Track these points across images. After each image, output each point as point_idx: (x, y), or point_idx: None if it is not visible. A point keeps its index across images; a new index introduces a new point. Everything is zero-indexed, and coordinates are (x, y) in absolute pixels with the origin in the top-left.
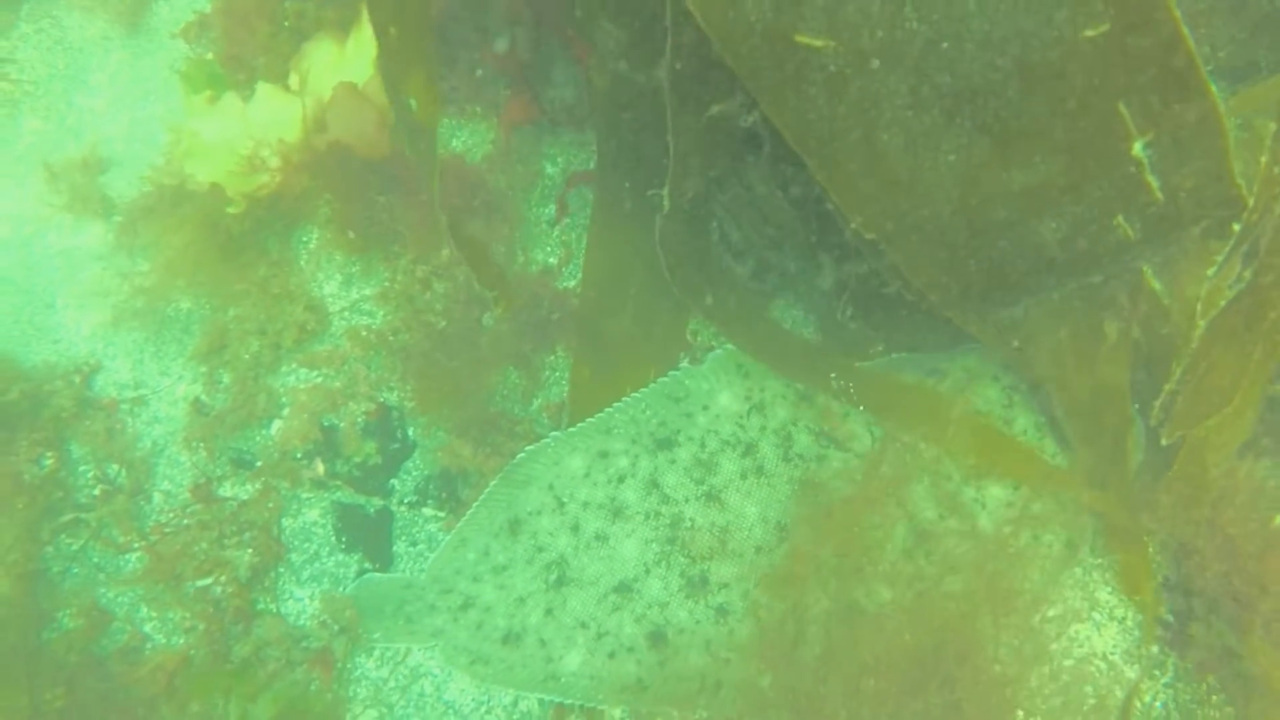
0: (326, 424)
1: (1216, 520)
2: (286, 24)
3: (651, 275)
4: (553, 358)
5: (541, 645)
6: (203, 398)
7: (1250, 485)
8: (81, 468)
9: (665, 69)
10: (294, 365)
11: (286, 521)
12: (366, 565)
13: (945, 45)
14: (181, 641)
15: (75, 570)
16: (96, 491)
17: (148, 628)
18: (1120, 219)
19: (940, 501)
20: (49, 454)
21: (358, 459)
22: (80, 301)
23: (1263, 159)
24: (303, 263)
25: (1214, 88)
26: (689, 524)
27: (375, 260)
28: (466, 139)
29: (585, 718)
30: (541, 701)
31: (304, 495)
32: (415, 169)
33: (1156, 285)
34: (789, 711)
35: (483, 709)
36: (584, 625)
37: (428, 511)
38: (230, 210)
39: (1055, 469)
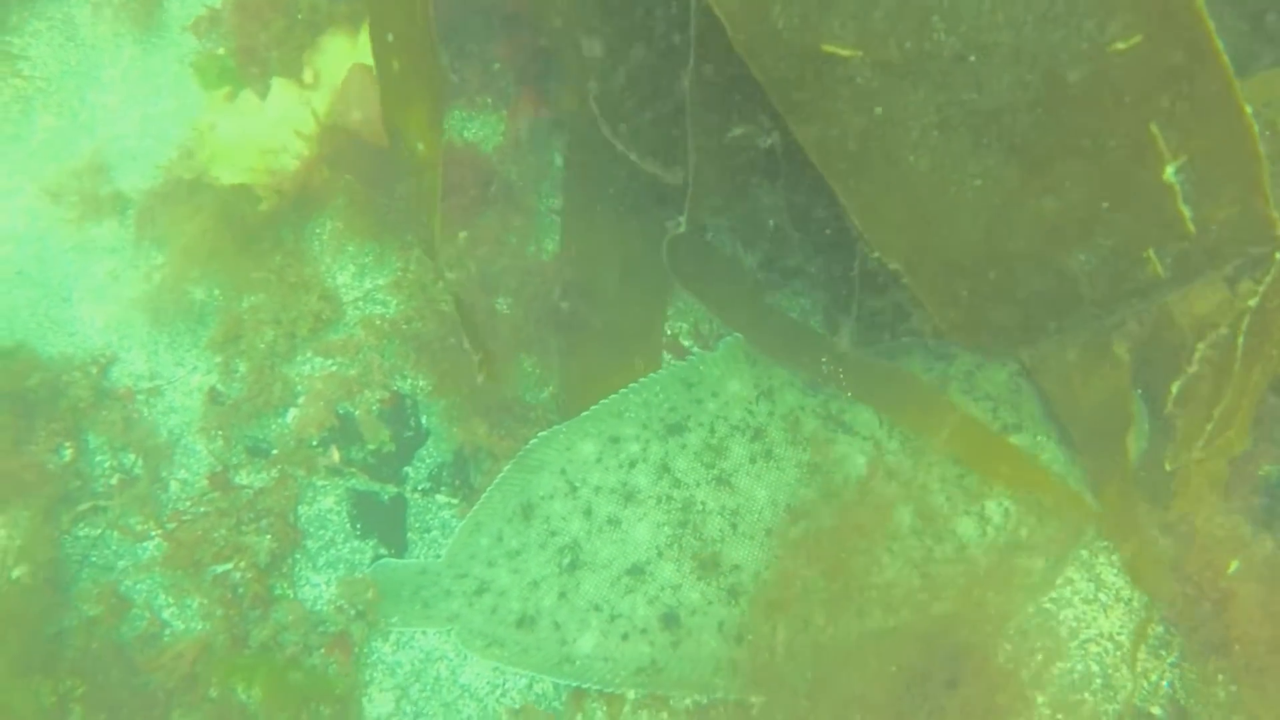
0: (342, 412)
1: (1182, 567)
2: (300, 17)
3: (627, 272)
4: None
5: (556, 628)
6: (218, 387)
7: (1208, 532)
8: (99, 457)
9: (688, 82)
10: (309, 354)
11: (302, 509)
12: (381, 551)
13: (973, 59)
14: (200, 627)
15: (94, 558)
16: (114, 480)
17: (166, 614)
18: (1151, 253)
19: (927, 526)
20: (67, 444)
21: (373, 446)
22: (95, 294)
23: None
24: (316, 253)
25: (1249, 109)
26: (700, 507)
27: (388, 250)
28: (477, 130)
29: (604, 703)
30: (556, 683)
31: (319, 483)
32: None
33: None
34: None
35: (498, 691)
36: (597, 608)
37: (441, 498)
38: (261, 209)
39: (1049, 475)
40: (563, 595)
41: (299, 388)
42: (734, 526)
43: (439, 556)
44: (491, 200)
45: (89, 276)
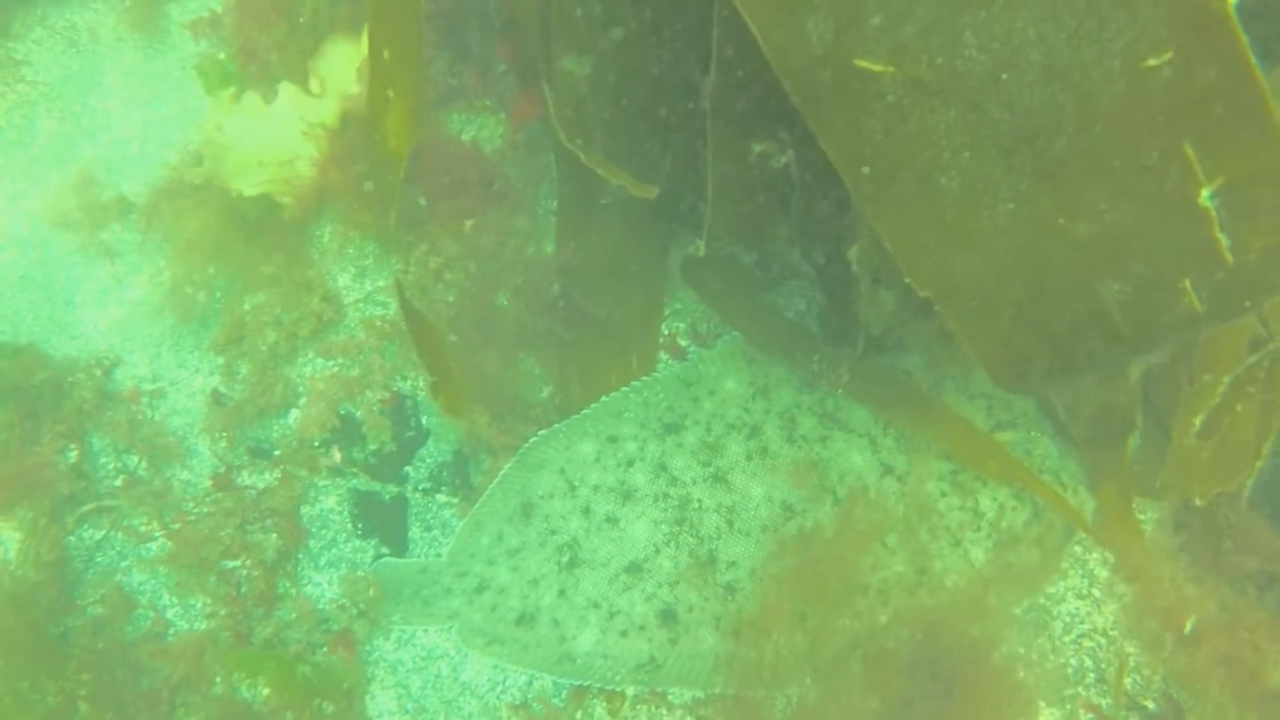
0: (343, 412)
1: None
2: (301, 20)
3: (624, 272)
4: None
5: (555, 625)
6: (221, 388)
7: (1174, 587)
8: (103, 459)
9: (709, 94)
10: (310, 355)
11: (304, 509)
12: (383, 550)
13: (1005, 77)
14: (204, 626)
15: (98, 559)
16: (118, 481)
17: (170, 614)
18: (1187, 284)
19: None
20: (72, 445)
21: (374, 446)
22: (99, 298)
23: None
24: (317, 255)
25: None
26: (697, 505)
27: (389, 251)
28: (475, 133)
29: (604, 699)
30: (556, 681)
31: (321, 483)
32: (439, 155)
33: None
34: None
35: (498, 689)
36: (596, 605)
37: (441, 498)
38: (284, 217)
39: (1034, 475)
40: (562, 593)
41: (301, 389)
42: (730, 523)
43: (440, 555)
44: (494, 198)
45: (92, 280)
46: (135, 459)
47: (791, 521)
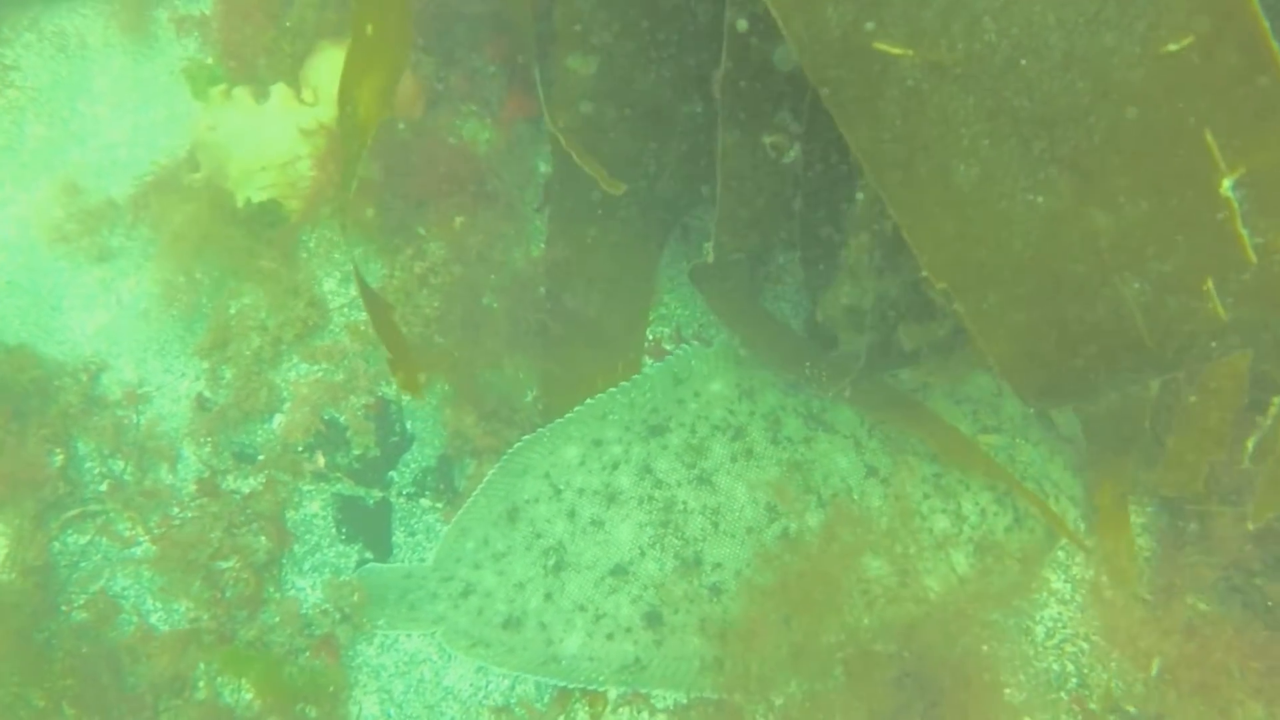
0: (327, 417)
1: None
2: (288, 25)
3: (613, 274)
4: None
5: (542, 629)
6: (205, 393)
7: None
8: (88, 464)
9: (719, 82)
10: (295, 360)
11: (288, 513)
12: (367, 555)
13: (1024, 62)
14: (188, 630)
15: (83, 564)
16: (103, 486)
17: (154, 619)
18: (1210, 285)
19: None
20: (58, 450)
21: (358, 451)
22: (86, 302)
23: None
24: (304, 258)
25: None
26: (682, 507)
27: (372, 256)
28: (464, 136)
29: (587, 703)
30: (539, 685)
31: (305, 488)
32: (430, 154)
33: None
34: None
35: (481, 693)
36: (582, 608)
37: (425, 502)
38: (291, 220)
39: (1020, 484)
40: (548, 596)
41: (285, 393)
42: (715, 525)
43: (424, 560)
44: (485, 199)
45: (80, 285)
46: (121, 464)
47: (776, 523)
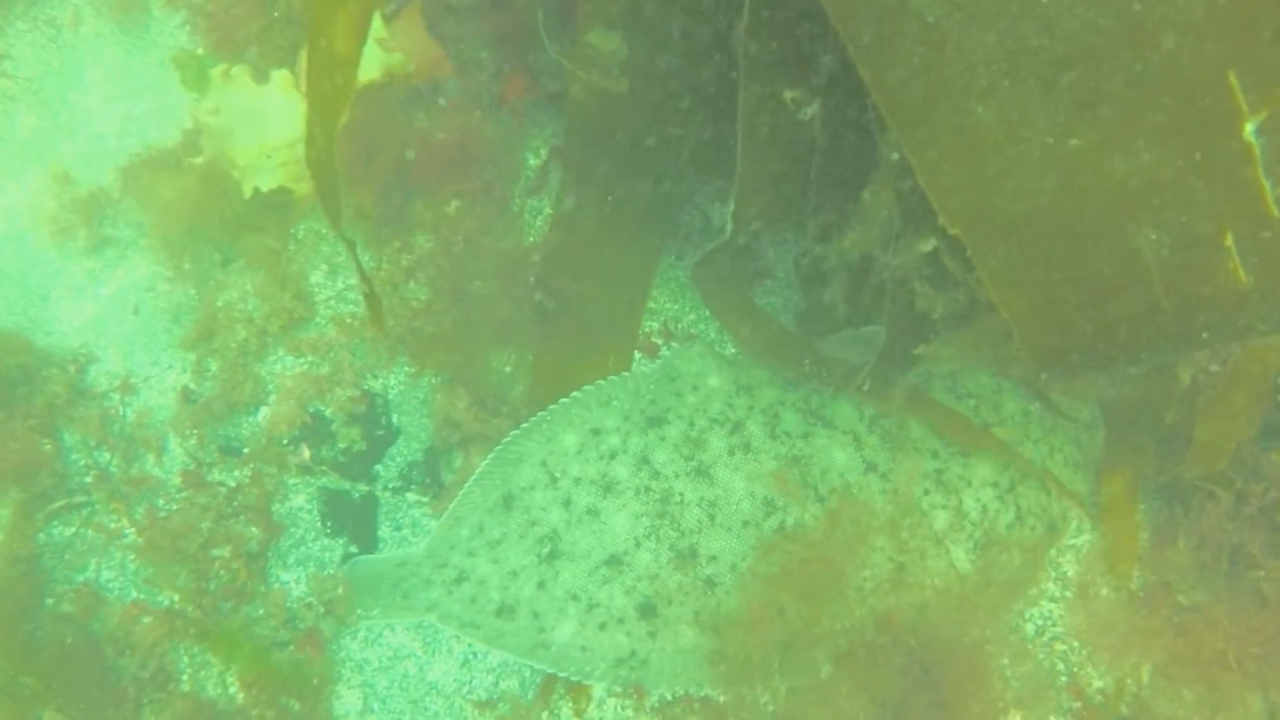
0: (313, 410)
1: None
2: (277, 15)
3: (611, 262)
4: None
5: (534, 617)
6: (191, 385)
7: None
8: (74, 455)
9: (741, 34)
10: (281, 352)
11: (274, 506)
12: (352, 549)
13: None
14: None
15: (68, 555)
16: (89, 478)
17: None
18: (1229, 239)
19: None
20: (45, 440)
21: (343, 444)
22: (74, 293)
23: None
24: (292, 249)
25: None
26: (679, 499)
27: (360, 248)
28: (465, 120)
29: (571, 699)
30: (523, 680)
31: (290, 481)
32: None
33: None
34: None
35: (464, 688)
36: (575, 597)
37: (411, 496)
38: (300, 205)
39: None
40: (542, 585)
41: (270, 386)
42: (712, 517)
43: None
44: (481, 186)
45: (68, 276)
46: (107, 455)
47: (773, 517)
